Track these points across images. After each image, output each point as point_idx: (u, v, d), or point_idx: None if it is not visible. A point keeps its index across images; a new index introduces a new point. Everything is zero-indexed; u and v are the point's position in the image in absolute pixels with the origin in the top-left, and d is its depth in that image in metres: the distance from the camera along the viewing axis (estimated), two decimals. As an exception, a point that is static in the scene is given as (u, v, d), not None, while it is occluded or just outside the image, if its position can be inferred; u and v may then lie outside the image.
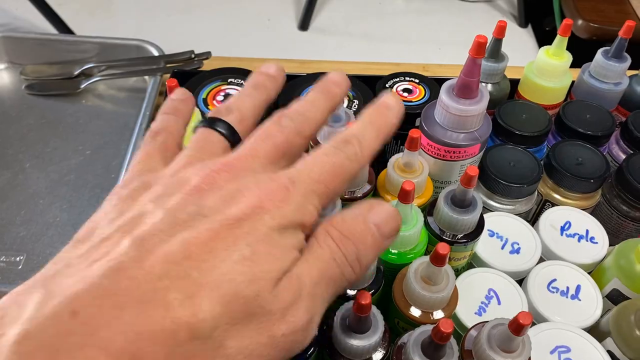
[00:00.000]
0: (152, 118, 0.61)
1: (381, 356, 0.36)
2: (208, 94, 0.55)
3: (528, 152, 0.50)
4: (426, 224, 0.43)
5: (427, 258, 0.36)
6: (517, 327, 0.32)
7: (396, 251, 0.41)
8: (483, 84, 0.42)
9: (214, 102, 0.55)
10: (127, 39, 0.68)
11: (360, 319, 0.34)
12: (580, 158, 0.50)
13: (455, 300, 0.39)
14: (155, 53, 0.67)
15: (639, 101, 0.57)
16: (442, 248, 0.34)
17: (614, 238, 0.53)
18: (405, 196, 0.37)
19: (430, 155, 0.46)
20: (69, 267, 0.21)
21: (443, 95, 0.43)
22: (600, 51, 0.56)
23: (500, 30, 0.52)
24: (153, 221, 0.22)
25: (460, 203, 0.41)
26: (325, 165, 0.26)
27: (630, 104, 0.58)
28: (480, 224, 0.43)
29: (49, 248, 0.52)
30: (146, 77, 0.66)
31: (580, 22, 0.97)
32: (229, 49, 1.57)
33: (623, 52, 0.54)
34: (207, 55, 0.64)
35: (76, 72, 0.66)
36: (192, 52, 0.64)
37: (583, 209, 0.50)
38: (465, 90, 0.42)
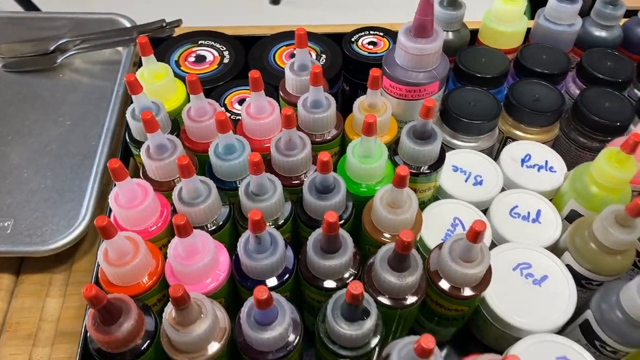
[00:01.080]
0: (128, 86, 0.62)
1: (352, 275, 0.38)
2: (180, 56, 0.57)
3: (487, 92, 0.52)
4: (392, 160, 0.46)
5: (390, 185, 0.39)
6: (473, 234, 0.35)
7: (364, 184, 0.44)
8: (436, 24, 0.45)
9: (186, 63, 0.57)
10: (99, 13, 0.70)
11: (330, 239, 0.36)
12: (537, 95, 0.53)
13: (419, 224, 0.42)
14: (128, 25, 0.69)
15: (593, 41, 0.60)
16: (402, 170, 0.37)
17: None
18: (367, 129, 0.40)
19: (393, 96, 0.48)
20: None
21: (401, 36, 0.45)
22: (553, -6, 0.58)
23: (456, -22, 0.54)
24: None
25: (421, 135, 0.43)
26: None
27: (584, 45, 0.60)
28: (442, 155, 0.46)
29: (35, 213, 0.53)
30: (120, 49, 0.68)
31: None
32: (201, 21, 1.58)
33: (574, -7, 0.57)
34: (177, 22, 0.66)
35: (51, 48, 0.67)
36: (163, 20, 0.66)
37: (542, 143, 0.53)
38: (421, 30, 0.44)
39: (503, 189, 0.49)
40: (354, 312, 0.34)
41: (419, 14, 0.43)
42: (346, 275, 0.38)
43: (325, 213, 0.34)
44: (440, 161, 0.45)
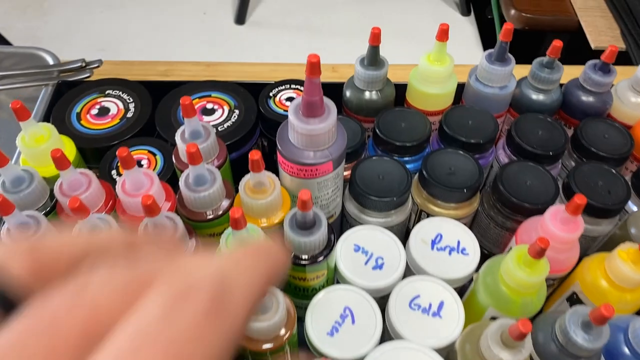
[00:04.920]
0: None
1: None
2: (82, 108, 0.54)
3: (398, 162, 0.49)
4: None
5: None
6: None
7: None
8: (329, 100, 0.41)
9: (88, 116, 0.53)
10: (22, 47, 0.67)
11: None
12: (452, 167, 0.49)
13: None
14: (50, 60, 0.65)
15: (529, 104, 0.56)
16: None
17: (495, 247, 0.52)
18: (235, 224, 0.37)
19: (287, 173, 0.44)
20: None
21: (290, 114, 0.41)
22: (484, 54, 0.54)
23: (375, 37, 0.50)
24: None
25: (302, 225, 0.40)
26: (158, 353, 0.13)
27: (521, 107, 0.56)
28: (330, 241, 0.42)
29: None
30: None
31: (513, 11, 0.95)
32: (165, 43, 1.55)
33: (505, 55, 0.53)
34: (98, 63, 0.63)
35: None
36: (83, 60, 0.62)
37: (459, 218, 0.49)
38: (310, 109, 0.41)
39: (412, 273, 0.46)
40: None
41: (306, 93, 0.39)
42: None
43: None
44: (328, 248, 0.42)
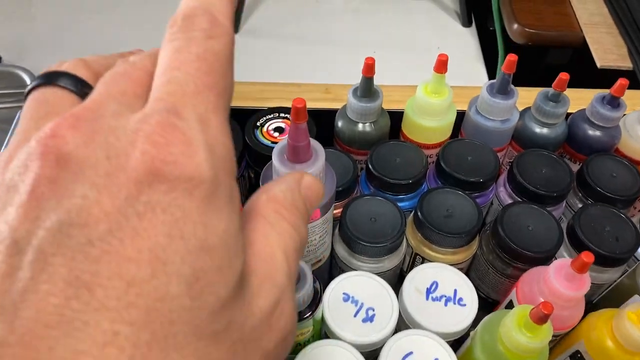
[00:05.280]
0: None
1: None
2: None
3: (392, 203, 0.46)
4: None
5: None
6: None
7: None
8: (316, 143, 0.38)
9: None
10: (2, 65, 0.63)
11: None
12: (449, 209, 0.46)
13: None
14: (27, 80, 0.62)
15: (532, 138, 0.52)
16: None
17: (494, 293, 0.49)
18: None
19: (271, 219, 0.41)
20: None
21: (274, 159, 0.38)
22: (485, 85, 0.51)
23: (369, 68, 0.47)
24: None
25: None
26: (191, 65, 0.18)
27: (524, 141, 0.53)
28: (316, 294, 0.39)
29: None
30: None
31: (515, 26, 0.91)
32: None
33: (508, 87, 0.50)
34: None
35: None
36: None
37: (456, 264, 0.46)
38: (296, 154, 0.37)
39: (405, 327, 0.43)
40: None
41: (291, 138, 0.36)
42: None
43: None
44: (314, 304, 0.39)
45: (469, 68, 1.41)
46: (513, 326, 0.37)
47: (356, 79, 0.51)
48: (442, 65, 0.47)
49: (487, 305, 0.49)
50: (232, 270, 0.17)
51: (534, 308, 0.35)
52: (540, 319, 0.35)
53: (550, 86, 0.50)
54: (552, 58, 0.91)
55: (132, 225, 0.15)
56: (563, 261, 0.40)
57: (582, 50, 0.92)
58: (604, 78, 0.85)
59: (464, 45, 1.51)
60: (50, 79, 0.20)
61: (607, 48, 0.85)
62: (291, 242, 0.20)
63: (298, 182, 0.23)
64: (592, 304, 0.50)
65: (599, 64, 0.83)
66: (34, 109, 0.20)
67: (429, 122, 0.50)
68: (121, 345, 0.14)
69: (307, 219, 0.23)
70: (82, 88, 0.20)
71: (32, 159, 0.16)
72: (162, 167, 0.15)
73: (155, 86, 0.18)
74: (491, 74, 1.35)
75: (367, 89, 0.49)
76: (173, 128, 0.16)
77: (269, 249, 0.20)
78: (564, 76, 0.49)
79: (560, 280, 0.39)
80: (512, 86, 0.50)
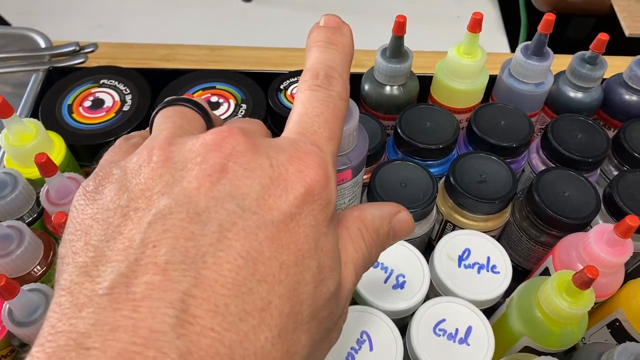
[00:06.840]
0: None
1: None
2: (75, 99, 0.49)
3: (423, 167, 0.44)
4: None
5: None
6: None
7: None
8: (350, 100, 0.36)
9: (80, 109, 0.48)
10: (12, 27, 0.62)
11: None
12: (483, 174, 0.44)
13: None
14: (42, 43, 0.60)
15: (566, 103, 0.50)
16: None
17: (526, 262, 0.48)
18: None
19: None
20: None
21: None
22: (520, 47, 0.49)
23: (400, 27, 0.45)
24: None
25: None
26: (328, 116, 0.23)
27: (557, 106, 0.51)
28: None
29: None
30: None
31: (539, -7, 0.89)
32: (166, 20, 1.48)
33: (544, 48, 0.48)
34: (93, 47, 0.57)
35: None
36: (77, 43, 0.57)
37: (488, 231, 0.45)
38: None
39: (436, 294, 0.42)
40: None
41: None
42: None
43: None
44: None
45: (490, 37, 1.37)
46: (554, 292, 0.36)
47: (375, 45, 0.49)
48: (476, 24, 0.45)
49: (517, 274, 0.48)
50: (337, 271, 0.21)
51: (576, 272, 0.34)
52: (584, 283, 0.33)
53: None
54: (574, 26, 0.87)
55: (287, 222, 0.19)
56: (604, 226, 0.38)
57: (603, 21, 0.89)
58: (626, 50, 0.83)
59: (485, 13, 1.47)
60: (177, 101, 0.24)
61: (635, 16, 0.82)
62: (362, 260, 0.23)
63: (392, 214, 0.25)
64: (626, 274, 0.48)
65: (627, 32, 0.80)
66: (177, 116, 0.23)
67: (460, 85, 0.48)
68: (272, 313, 0.18)
69: (384, 248, 0.25)
70: (207, 115, 0.25)
71: (211, 149, 0.20)
72: (313, 184, 0.20)
73: (300, 122, 0.22)
74: (512, 44, 1.32)
75: (397, 49, 0.47)
76: (317, 157, 0.21)
77: (344, 258, 0.22)
78: (603, 37, 0.46)
79: (602, 245, 0.38)
80: (548, 48, 0.48)
